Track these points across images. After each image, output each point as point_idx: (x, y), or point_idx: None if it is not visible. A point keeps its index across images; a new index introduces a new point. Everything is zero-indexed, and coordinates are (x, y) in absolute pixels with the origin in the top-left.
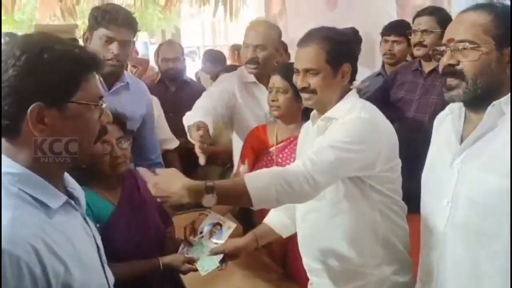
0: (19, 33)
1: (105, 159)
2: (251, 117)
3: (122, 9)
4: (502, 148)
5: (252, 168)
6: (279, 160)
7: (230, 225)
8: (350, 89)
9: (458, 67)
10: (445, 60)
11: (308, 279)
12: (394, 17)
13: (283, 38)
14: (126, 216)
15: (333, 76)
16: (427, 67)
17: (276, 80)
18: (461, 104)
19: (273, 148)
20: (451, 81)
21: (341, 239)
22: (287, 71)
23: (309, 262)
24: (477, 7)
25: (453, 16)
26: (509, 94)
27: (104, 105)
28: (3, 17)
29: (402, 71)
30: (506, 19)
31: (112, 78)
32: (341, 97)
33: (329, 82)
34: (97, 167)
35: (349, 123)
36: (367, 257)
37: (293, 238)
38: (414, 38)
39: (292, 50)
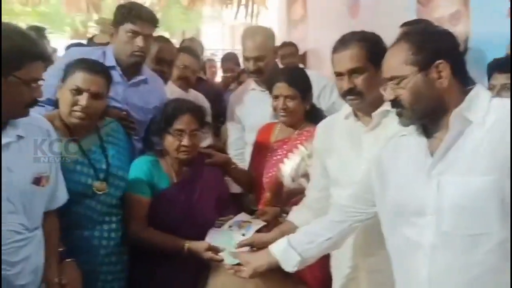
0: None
1: (175, 144)
2: (251, 123)
3: (145, 7)
4: (476, 148)
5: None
6: (273, 158)
7: (259, 222)
8: None
9: (398, 99)
10: (387, 96)
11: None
12: None
13: (304, 43)
14: (175, 196)
15: (376, 76)
16: None
17: (283, 88)
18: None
19: (270, 145)
20: (396, 110)
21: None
22: (293, 77)
23: None
24: (399, 39)
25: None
26: (467, 102)
27: (39, 84)
28: (28, 9)
29: None
30: (426, 42)
31: (133, 71)
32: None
33: (373, 82)
34: (168, 149)
35: None
36: None
37: None
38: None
39: (313, 56)
